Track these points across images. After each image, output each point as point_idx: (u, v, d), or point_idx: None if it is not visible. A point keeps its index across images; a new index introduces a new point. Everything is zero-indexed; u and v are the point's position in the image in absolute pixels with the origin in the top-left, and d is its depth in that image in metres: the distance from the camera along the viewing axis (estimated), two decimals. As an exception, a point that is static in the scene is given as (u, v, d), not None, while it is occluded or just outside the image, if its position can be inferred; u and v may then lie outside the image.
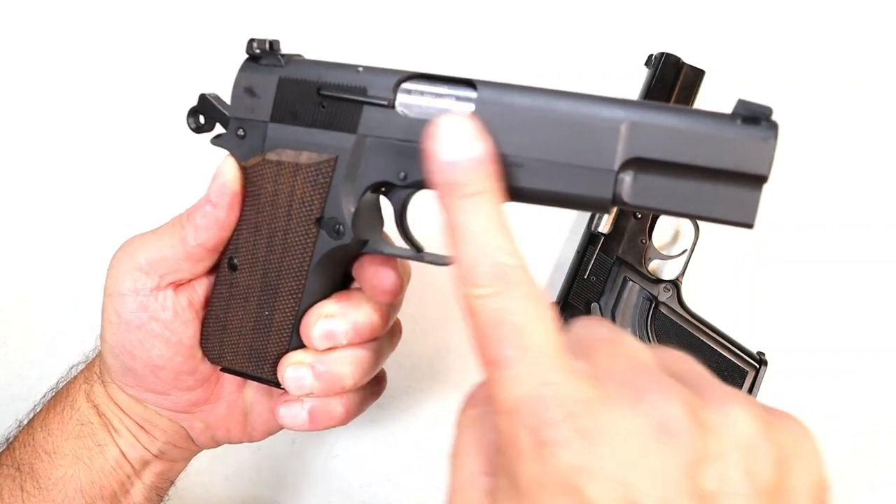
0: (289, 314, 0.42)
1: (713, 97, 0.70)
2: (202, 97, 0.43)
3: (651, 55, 0.69)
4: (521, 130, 0.35)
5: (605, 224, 0.66)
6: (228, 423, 0.49)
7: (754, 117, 0.32)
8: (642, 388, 0.27)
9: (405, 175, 0.38)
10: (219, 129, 0.44)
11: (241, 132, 0.42)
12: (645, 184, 0.34)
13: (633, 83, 0.70)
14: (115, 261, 0.43)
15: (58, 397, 0.48)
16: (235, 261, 0.42)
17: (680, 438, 0.26)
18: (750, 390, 0.66)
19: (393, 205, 0.41)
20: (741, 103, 0.33)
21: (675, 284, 0.68)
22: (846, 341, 0.70)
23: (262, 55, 0.41)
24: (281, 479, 0.71)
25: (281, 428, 0.48)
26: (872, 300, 0.71)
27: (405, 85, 0.39)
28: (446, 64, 0.74)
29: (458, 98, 0.37)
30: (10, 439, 0.49)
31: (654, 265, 0.69)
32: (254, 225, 0.42)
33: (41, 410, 0.48)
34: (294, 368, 0.42)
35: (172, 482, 0.51)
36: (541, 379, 0.27)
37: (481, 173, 0.32)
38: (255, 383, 0.47)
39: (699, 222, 0.68)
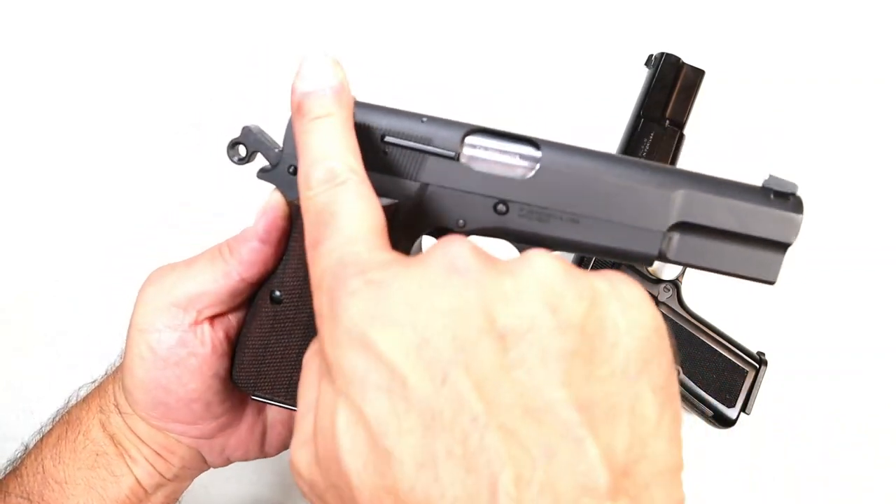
0: None
1: (713, 97, 0.70)
2: (246, 129, 0.42)
3: (651, 55, 0.69)
4: (580, 190, 0.38)
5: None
6: (248, 444, 0.49)
7: (783, 194, 0.38)
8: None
9: (464, 222, 0.40)
10: (260, 160, 0.43)
11: (292, 170, 0.41)
12: (687, 244, 0.39)
13: (633, 83, 0.70)
14: (146, 296, 0.42)
15: (69, 425, 0.47)
16: (279, 293, 0.42)
17: (469, 275, 0.25)
18: (750, 390, 0.66)
19: None
20: (772, 179, 0.38)
21: (675, 284, 0.68)
22: (846, 341, 0.70)
23: None
24: (282, 479, 0.71)
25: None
26: (872, 300, 0.71)
27: (471, 138, 0.40)
28: (447, 64, 0.74)
29: (523, 157, 0.39)
30: (17, 465, 0.48)
31: (654, 265, 0.69)
32: (302, 260, 0.41)
33: (50, 437, 0.47)
34: None
35: (178, 500, 0.51)
36: (346, 250, 0.28)
37: (327, 99, 0.35)
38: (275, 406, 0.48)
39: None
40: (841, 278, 0.71)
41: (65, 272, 0.72)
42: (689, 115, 0.68)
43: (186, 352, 0.42)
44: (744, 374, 0.66)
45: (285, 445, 0.50)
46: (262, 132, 0.43)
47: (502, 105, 0.73)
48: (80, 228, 0.72)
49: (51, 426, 0.48)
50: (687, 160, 0.69)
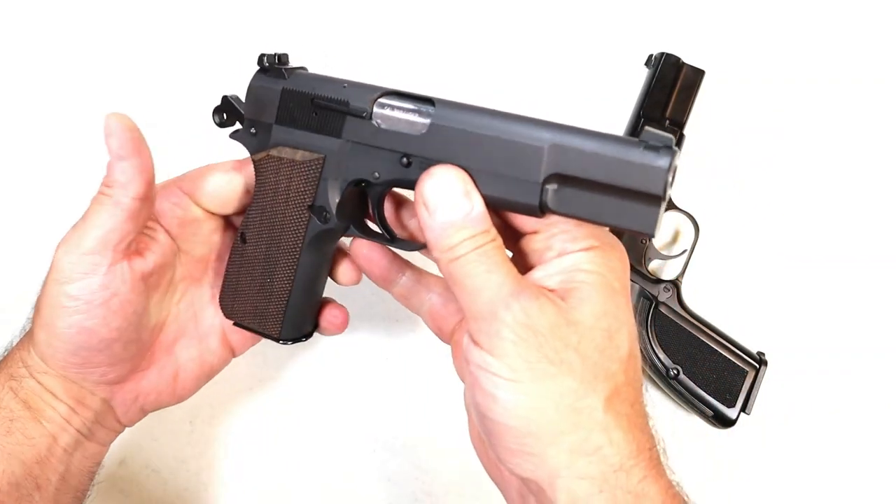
0: (286, 283, 0.51)
1: (713, 97, 0.70)
2: (224, 98, 0.51)
3: (651, 55, 0.69)
4: (466, 144, 0.42)
5: (605, 224, 0.67)
6: (159, 387, 0.52)
7: (655, 146, 0.37)
8: None
9: (378, 175, 0.46)
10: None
11: (253, 130, 0.50)
12: (565, 195, 0.40)
13: (633, 83, 0.70)
14: (58, 255, 0.46)
15: None
16: (246, 234, 0.51)
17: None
18: (750, 390, 0.66)
19: (370, 198, 0.49)
20: (648, 132, 0.38)
21: (675, 284, 0.68)
22: (846, 341, 0.70)
23: (270, 68, 0.49)
24: (282, 482, 0.71)
25: (206, 382, 0.55)
26: (872, 300, 0.71)
27: (380, 100, 0.45)
28: (447, 64, 0.74)
29: (421, 114, 0.44)
30: None
31: (654, 265, 0.69)
32: (261, 207, 0.50)
33: None
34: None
35: (99, 464, 0.53)
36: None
37: (475, 227, 0.40)
38: (186, 340, 0.54)
39: (699, 222, 0.68)
40: (841, 278, 0.71)
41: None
42: (689, 115, 0.68)
43: (109, 293, 0.46)
44: (744, 374, 0.66)
45: (197, 385, 0.55)
46: (237, 100, 0.51)
47: (502, 105, 0.73)
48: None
49: None
50: (687, 160, 0.69)
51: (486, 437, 0.42)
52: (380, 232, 0.50)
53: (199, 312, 0.55)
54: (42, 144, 0.74)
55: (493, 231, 0.41)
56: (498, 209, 0.42)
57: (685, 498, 0.42)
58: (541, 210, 0.41)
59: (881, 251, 0.71)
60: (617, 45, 0.73)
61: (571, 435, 0.39)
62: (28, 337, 0.49)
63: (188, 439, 0.71)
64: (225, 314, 0.53)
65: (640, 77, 0.70)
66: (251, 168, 0.50)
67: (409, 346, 0.72)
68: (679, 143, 0.67)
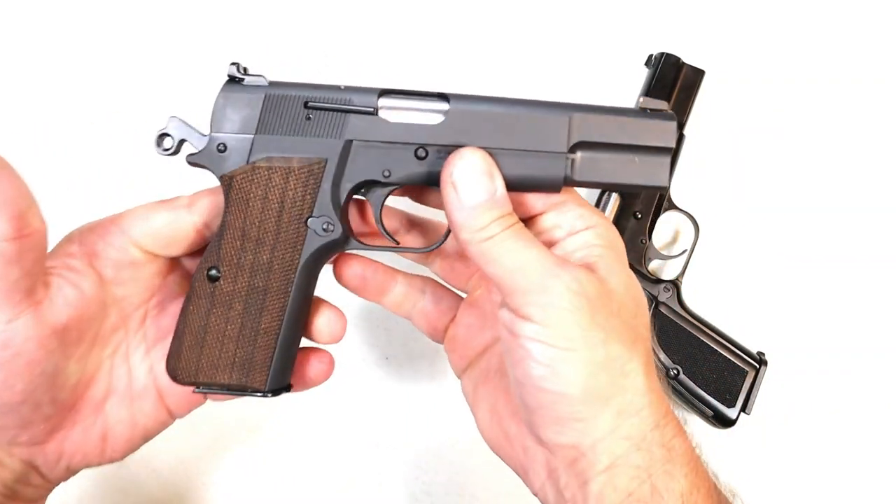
0: (276, 317, 0.45)
1: (713, 97, 0.70)
2: (172, 119, 0.45)
3: (651, 55, 0.69)
4: (488, 126, 0.43)
5: (605, 224, 0.67)
6: (85, 448, 0.46)
7: (658, 110, 0.45)
8: None
9: (389, 172, 0.44)
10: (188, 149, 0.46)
11: (221, 147, 0.45)
12: (587, 162, 0.44)
13: (633, 83, 0.70)
14: None
15: None
16: (215, 271, 0.44)
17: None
18: (750, 390, 0.66)
19: (373, 203, 0.46)
20: (646, 101, 0.45)
21: (675, 284, 0.68)
22: (846, 341, 0.70)
23: (243, 77, 0.45)
24: (282, 481, 0.71)
25: (142, 444, 0.48)
26: (872, 300, 0.71)
27: (385, 98, 0.44)
28: (447, 64, 0.74)
29: (433, 105, 0.44)
30: None
31: (654, 265, 0.69)
32: (239, 231, 0.44)
33: None
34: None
35: None
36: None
37: (503, 208, 0.41)
38: (117, 399, 0.46)
39: (699, 222, 0.68)
40: (841, 278, 0.71)
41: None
42: (689, 115, 0.68)
43: (10, 353, 0.39)
44: (744, 374, 0.66)
45: (131, 449, 0.48)
46: (185, 122, 0.46)
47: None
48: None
49: None
50: (687, 160, 0.69)
51: (530, 411, 0.42)
52: (383, 241, 0.48)
53: (133, 368, 0.47)
54: (40, 146, 0.74)
55: (514, 214, 0.42)
56: (518, 190, 0.44)
57: (706, 460, 0.44)
58: (564, 181, 0.43)
59: (881, 251, 0.71)
60: (617, 45, 0.73)
61: (619, 397, 0.41)
62: None
63: (188, 439, 0.71)
64: (180, 380, 0.45)
65: (640, 77, 0.70)
66: (206, 203, 0.45)
67: (409, 345, 0.72)
68: (679, 143, 0.67)
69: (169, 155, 0.45)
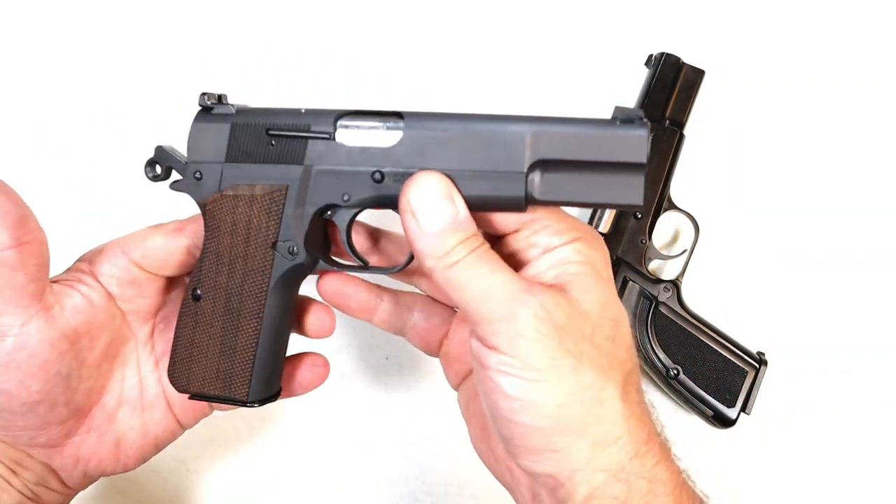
0: (252, 334, 0.47)
1: (713, 97, 0.70)
2: (159, 148, 0.48)
3: (651, 55, 0.69)
4: (443, 147, 0.42)
5: (604, 224, 0.66)
6: (100, 454, 0.49)
7: (629, 119, 0.40)
8: None
9: (348, 196, 0.44)
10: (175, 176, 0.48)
11: (198, 175, 0.47)
12: (550, 181, 0.41)
13: (633, 83, 0.70)
14: None
15: None
16: (199, 291, 0.47)
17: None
18: (750, 390, 0.66)
19: (339, 225, 0.46)
20: (618, 109, 0.40)
21: (675, 284, 0.68)
22: (846, 341, 0.70)
23: (213, 106, 0.47)
24: (282, 481, 0.71)
25: (153, 453, 0.51)
26: (872, 300, 0.71)
27: (342, 121, 0.44)
28: (447, 65, 0.74)
29: (389, 127, 0.43)
30: None
31: (654, 265, 0.69)
32: (215, 255, 0.46)
33: None
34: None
35: None
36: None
37: (466, 231, 0.40)
38: (129, 408, 0.50)
39: (699, 222, 0.68)
40: (841, 278, 0.71)
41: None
42: (689, 115, 0.68)
43: (25, 354, 0.43)
44: (744, 374, 0.66)
45: (143, 458, 0.51)
46: (173, 150, 0.48)
47: (502, 105, 0.73)
48: (76, 231, 0.72)
49: None
50: (687, 160, 0.69)
51: (505, 440, 0.41)
52: (350, 263, 0.48)
53: (144, 379, 0.51)
54: (39, 147, 0.74)
55: (480, 234, 0.41)
56: (481, 210, 0.42)
57: (693, 483, 0.43)
58: (526, 202, 0.41)
59: (881, 251, 0.71)
60: (617, 45, 0.73)
61: (595, 427, 0.39)
62: None
63: (188, 439, 0.71)
64: (177, 387, 0.48)
65: (640, 77, 0.70)
66: (195, 227, 0.48)
67: (408, 345, 0.72)
68: (679, 143, 0.67)
69: (158, 181, 0.48)
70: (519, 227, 0.42)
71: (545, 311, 0.38)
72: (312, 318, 0.50)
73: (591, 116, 0.41)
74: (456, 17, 0.75)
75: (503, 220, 0.42)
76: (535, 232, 0.42)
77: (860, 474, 0.69)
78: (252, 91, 0.74)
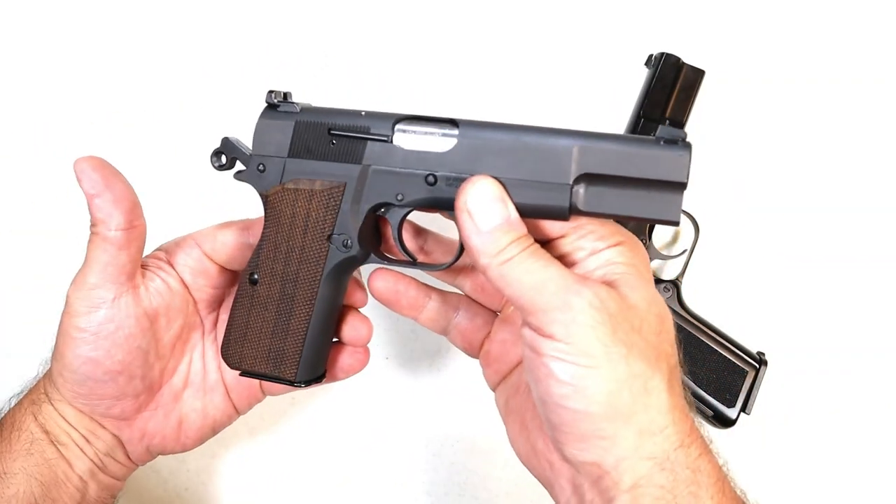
0: (304, 319, 0.50)
1: (713, 97, 0.70)
2: (225, 140, 0.51)
3: (651, 55, 0.69)
4: (494, 156, 0.44)
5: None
6: (164, 431, 0.54)
7: (673, 140, 0.42)
8: None
9: (402, 196, 0.47)
10: (238, 166, 0.51)
11: (261, 167, 0.50)
12: (593, 194, 0.43)
13: (633, 83, 0.70)
14: (70, 291, 0.48)
15: (3, 426, 0.52)
16: (256, 276, 0.50)
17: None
18: (750, 390, 0.66)
19: (391, 223, 0.49)
20: (662, 129, 0.42)
21: (675, 284, 0.68)
22: (846, 341, 0.70)
23: (279, 104, 0.49)
24: (282, 481, 0.71)
25: (210, 435, 0.56)
26: (872, 300, 0.71)
27: (400, 125, 0.47)
28: (447, 65, 0.74)
29: (444, 134, 0.45)
30: None
31: (654, 265, 0.69)
32: (273, 244, 0.50)
33: None
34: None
35: (115, 497, 0.56)
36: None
37: (518, 230, 0.42)
38: (193, 390, 0.55)
39: (699, 222, 0.68)
40: (841, 278, 0.71)
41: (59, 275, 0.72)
42: (689, 115, 0.68)
43: (114, 325, 0.48)
44: (744, 374, 0.66)
45: (201, 439, 0.56)
46: (238, 141, 0.51)
47: (502, 105, 0.73)
48: (76, 233, 0.72)
49: None
50: (687, 160, 0.69)
51: (553, 427, 0.42)
52: (402, 257, 0.51)
53: (207, 364, 0.55)
54: (38, 148, 0.74)
55: (530, 236, 0.43)
56: (526, 216, 0.44)
57: (733, 479, 0.44)
58: (569, 212, 0.43)
59: (881, 251, 0.71)
60: (617, 45, 0.73)
61: (642, 415, 0.40)
62: (49, 367, 0.52)
63: (188, 439, 0.71)
64: (230, 364, 0.52)
65: (640, 77, 0.70)
66: (259, 226, 0.51)
67: (408, 346, 0.72)
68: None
69: (224, 170, 0.51)
70: (565, 232, 0.44)
71: (600, 300, 0.40)
72: (348, 328, 0.54)
73: (636, 135, 0.44)
74: (456, 16, 0.75)
75: (550, 225, 0.44)
76: (580, 237, 0.44)
77: (860, 474, 0.69)
78: (252, 91, 0.74)
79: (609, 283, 0.42)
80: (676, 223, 0.42)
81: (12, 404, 0.54)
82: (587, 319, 0.40)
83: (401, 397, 0.71)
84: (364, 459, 0.71)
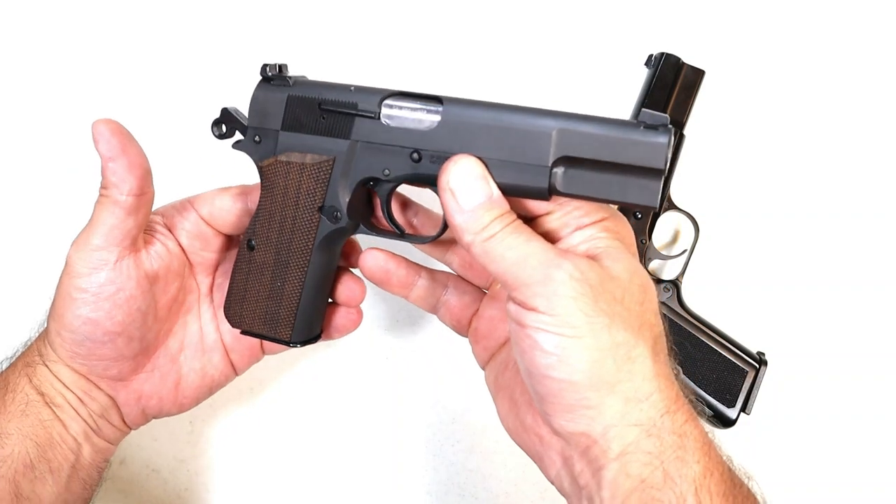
0: (297, 285, 0.52)
1: (713, 97, 0.70)
2: (224, 110, 0.52)
3: (651, 55, 0.69)
4: (476, 135, 0.45)
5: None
6: (161, 392, 0.55)
7: (654, 125, 0.41)
8: None
9: (388, 172, 0.48)
10: (237, 136, 0.52)
11: (257, 138, 0.51)
12: (571, 176, 0.43)
13: (633, 83, 0.70)
14: (72, 251, 0.49)
15: None
16: (253, 242, 0.52)
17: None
18: (750, 390, 0.66)
19: (380, 196, 0.51)
20: (644, 113, 0.42)
21: (675, 284, 0.68)
22: (846, 341, 0.70)
23: (273, 77, 0.50)
24: (281, 481, 0.71)
25: (208, 395, 0.57)
26: (873, 301, 0.71)
27: (387, 101, 0.47)
28: (447, 64, 0.74)
29: (429, 111, 0.46)
30: None
31: (654, 265, 0.69)
32: (268, 213, 0.51)
33: None
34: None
35: (107, 461, 0.56)
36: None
37: (501, 207, 0.43)
38: (190, 352, 0.56)
39: (699, 222, 0.68)
40: (841, 278, 0.71)
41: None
42: (689, 115, 0.68)
43: (115, 287, 0.49)
44: (744, 374, 0.66)
45: (198, 399, 0.57)
46: (238, 111, 0.52)
47: (502, 105, 0.73)
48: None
49: None
50: (687, 160, 0.69)
51: (540, 399, 0.43)
52: (390, 229, 0.52)
53: (204, 326, 0.57)
54: (37, 148, 0.74)
55: (513, 212, 0.44)
56: (507, 195, 0.44)
57: (719, 444, 0.44)
58: (549, 193, 0.43)
59: (881, 251, 0.71)
60: (617, 45, 0.73)
61: (627, 383, 0.41)
62: (44, 329, 0.53)
63: (188, 439, 0.71)
64: (231, 323, 0.54)
65: (640, 77, 0.70)
66: (256, 193, 0.52)
67: (408, 345, 0.72)
68: (679, 143, 0.67)
69: (224, 139, 0.52)
70: (550, 209, 0.45)
71: (580, 272, 0.41)
72: (343, 288, 0.55)
73: (620, 119, 0.43)
74: (456, 16, 0.75)
75: (536, 203, 0.45)
76: (566, 213, 0.45)
77: (860, 474, 0.69)
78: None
79: (592, 257, 0.43)
80: (655, 208, 0.43)
81: (4, 367, 0.54)
82: (568, 291, 0.40)
83: (400, 397, 0.71)
84: (364, 460, 0.71)
